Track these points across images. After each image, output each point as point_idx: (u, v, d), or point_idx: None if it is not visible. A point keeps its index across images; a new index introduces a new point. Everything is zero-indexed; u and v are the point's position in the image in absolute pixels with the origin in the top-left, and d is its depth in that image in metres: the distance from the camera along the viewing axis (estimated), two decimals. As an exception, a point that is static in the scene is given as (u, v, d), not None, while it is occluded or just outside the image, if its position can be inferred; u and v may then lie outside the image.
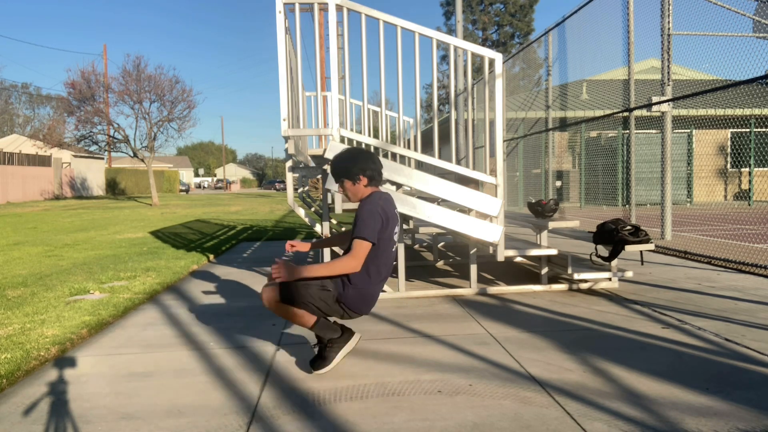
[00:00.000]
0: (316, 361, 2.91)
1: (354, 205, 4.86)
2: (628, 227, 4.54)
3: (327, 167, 4.75)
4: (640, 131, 9.70)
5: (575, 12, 8.73)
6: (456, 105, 12.55)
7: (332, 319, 3.00)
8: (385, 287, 4.80)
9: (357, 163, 2.89)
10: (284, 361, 3.14)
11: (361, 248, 2.74)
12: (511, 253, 4.71)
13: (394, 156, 5.96)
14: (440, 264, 6.45)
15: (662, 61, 7.33)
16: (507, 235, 4.98)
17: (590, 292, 4.77)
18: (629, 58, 7.74)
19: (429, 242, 8.08)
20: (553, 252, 4.80)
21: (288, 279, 2.72)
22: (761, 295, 4.44)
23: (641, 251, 4.70)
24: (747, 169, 15.13)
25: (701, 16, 6.86)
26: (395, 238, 2.91)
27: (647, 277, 5.33)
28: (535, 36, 11.80)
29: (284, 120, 4.25)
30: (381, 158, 4.51)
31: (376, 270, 2.85)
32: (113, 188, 41.16)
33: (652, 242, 4.53)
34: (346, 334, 2.97)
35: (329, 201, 4.88)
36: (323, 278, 2.81)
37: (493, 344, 3.34)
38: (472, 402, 2.51)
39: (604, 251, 4.73)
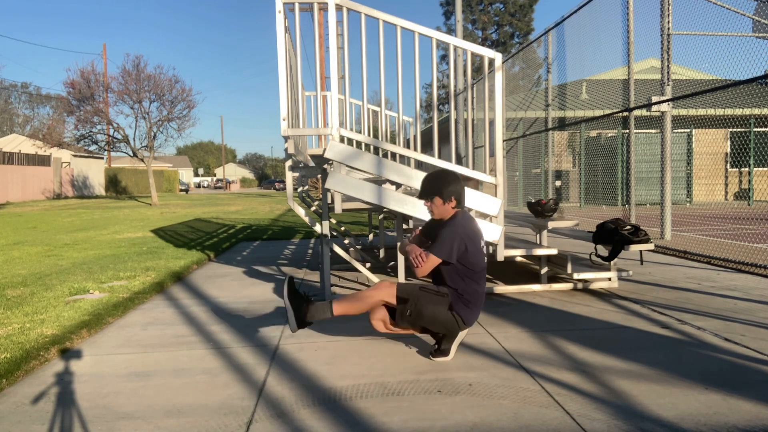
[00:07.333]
0: (437, 353, 3.16)
1: (354, 205, 4.86)
2: (628, 227, 4.54)
3: (327, 167, 4.75)
4: (639, 131, 9.70)
5: (575, 12, 8.73)
6: (456, 104, 12.55)
7: None
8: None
9: (451, 185, 3.11)
10: (284, 360, 3.14)
11: (431, 262, 3.01)
12: (510, 252, 4.71)
13: (393, 155, 5.96)
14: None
15: (662, 61, 7.32)
16: (506, 234, 4.98)
17: (590, 291, 4.77)
18: (629, 57, 7.74)
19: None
20: (553, 251, 4.80)
21: (422, 273, 3.03)
22: (761, 295, 4.44)
23: (641, 251, 4.70)
24: (747, 169, 15.13)
25: (701, 16, 6.87)
26: (482, 249, 3.15)
27: (647, 276, 5.34)
28: (534, 36, 11.81)
29: (284, 120, 4.24)
30: (381, 158, 4.54)
31: (473, 289, 3.08)
32: (114, 187, 41.17)
33: (651, 242, 4.53)
34: None
35: (329, 200, 4.88)
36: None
37: (492, 344, 3.34)
38: (471, 402, 2.51)
39: (603, 251, 4.73)
